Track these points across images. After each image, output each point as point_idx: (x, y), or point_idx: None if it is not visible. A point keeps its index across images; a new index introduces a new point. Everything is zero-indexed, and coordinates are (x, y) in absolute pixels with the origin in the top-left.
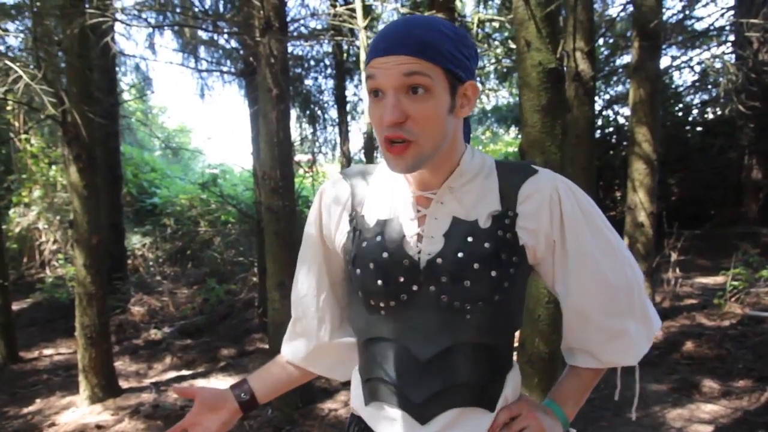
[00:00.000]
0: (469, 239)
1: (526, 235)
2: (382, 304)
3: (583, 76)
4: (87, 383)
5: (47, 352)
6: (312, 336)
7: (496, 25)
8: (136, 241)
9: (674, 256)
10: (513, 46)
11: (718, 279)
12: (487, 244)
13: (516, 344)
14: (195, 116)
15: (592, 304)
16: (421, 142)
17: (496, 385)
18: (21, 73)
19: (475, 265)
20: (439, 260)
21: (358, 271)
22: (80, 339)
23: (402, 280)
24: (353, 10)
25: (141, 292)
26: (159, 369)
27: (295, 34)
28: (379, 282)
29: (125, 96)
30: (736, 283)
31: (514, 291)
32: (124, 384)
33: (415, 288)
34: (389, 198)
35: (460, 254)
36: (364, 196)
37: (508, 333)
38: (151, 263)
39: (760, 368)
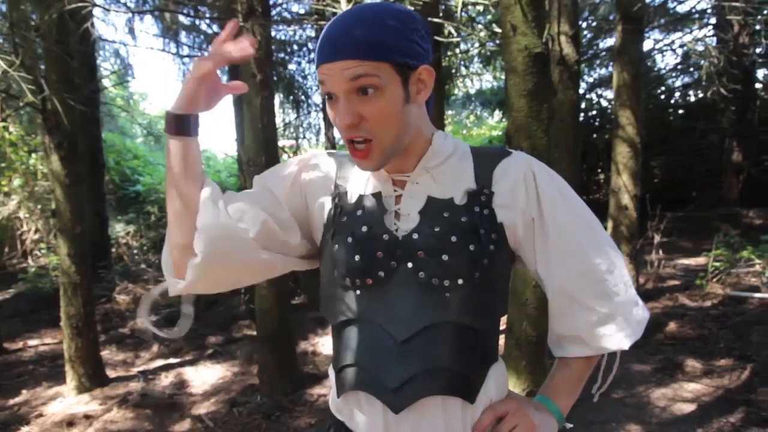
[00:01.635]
0: (446, 214)
1: (503, 213)
2: (358, 282)
3: (568, 60)
4: (74, 373)
5: (32, 342)
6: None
7: (480, 8)
8: (119, 229)
9: (657, 238)
10: (497, 29)
11: (700, 260)
12: (464, 218)
13: (503, 328)
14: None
15: (577, 283)
16: (380, 139)
17: (477, 375)
18: None
19: (453, 238)
20: (415, 235)
21: (336, 246)
22: (66, 329)
23: (380, 255)
24: None
25: (126, 280)
26: (146, 358)
27: (277, 18)
28: (357, 257)
29: (105, 82)
30: (717, 264)
31: (495, 271)
32: (111, 373)
33: (393, 264)
34: (369, 177)
35: (436, 228)
36: (348, 174)
37: (490, 318)
38: (135, 251)
39: (740, 347)
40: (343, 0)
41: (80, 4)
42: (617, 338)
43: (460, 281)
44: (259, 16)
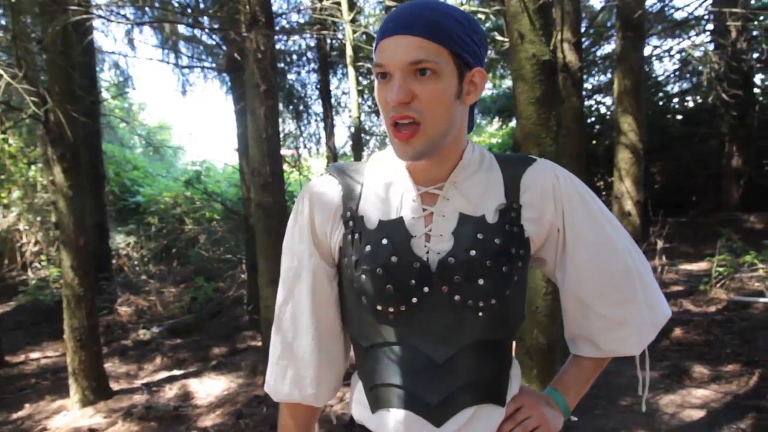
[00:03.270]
0: (479, 236)
1: (530, 227)
2: (391, 309)
3: (571, 67)
4: (77, 386)
5: (34, 355)
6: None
7: (482, 17)
8: (120, 240)
9: (660, 244)
10: (499, 37)
11: (702, 265)
12: (497, 240)
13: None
14: (175, 112)
15: (591, 292)
16: (428, 125)
17: (503, 380)
18: (1, 72)
19: (488, 263)
20: (451, 260)
21: (363, 276)
22: (69, 342)
23: (413, 282)
24: (339, 4)
25: (127, 292)
26: (150, 369)
27: (277, 28)
28: (389, 287)
29: (105, 94)
30: (721, 269)
31: (520, 283)
32: (114, 386)
33: (426, 290)
34: (389, 196)
35: (472, 252)
36: (357, 193)
37: (515, 326)
38: (136, 262)
39: (747, 352)
40: (345, 10)
41: (84, 16)
42: (629, 343)
43: (493, 301)
44: (262, 26)
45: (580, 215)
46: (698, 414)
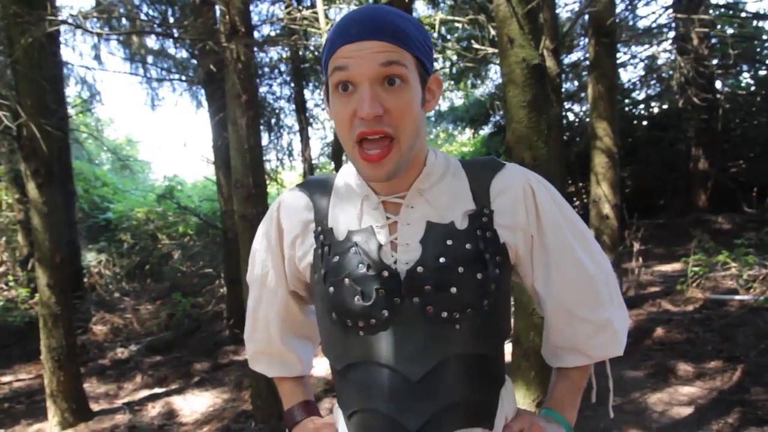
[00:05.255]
0: (449, 242)
1: (505, 233)
2: (361, 324)
3: (550, 73)
4: (56, 408)
5: (5, 379)
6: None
7: (451, 25)
8: (91, 258)
9: (636, 246)
10: (476, 45)
11: (676, 266)
12: (468, 245)
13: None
14: (141, 127)
15: (577, 297)
16: (402, 140)
17: (492, 400)
18: None
19: (460, 269)
20: (419, 269)
21: (332, 289)
22: (47, 362)
23: (382, 293)
24: (316, 13)
25: (102, 310)
26: (130, 388)
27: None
28: (357, 298)
29: (71, 109)
30: (696, 268)
31: (500, 294)
32: (94, 406)
33: (397, 301)
34: (355, 206)
35: (441, 259)
36: (326, 207)
37: (499, 341)
38: (108, 280)
39: (727, 349)
40: (321, 20)
41: (57, 27)
42: (612, 345)
43: (469, 311)
44: (242, 36)
45: (560, 221)
46: (686, 411)
